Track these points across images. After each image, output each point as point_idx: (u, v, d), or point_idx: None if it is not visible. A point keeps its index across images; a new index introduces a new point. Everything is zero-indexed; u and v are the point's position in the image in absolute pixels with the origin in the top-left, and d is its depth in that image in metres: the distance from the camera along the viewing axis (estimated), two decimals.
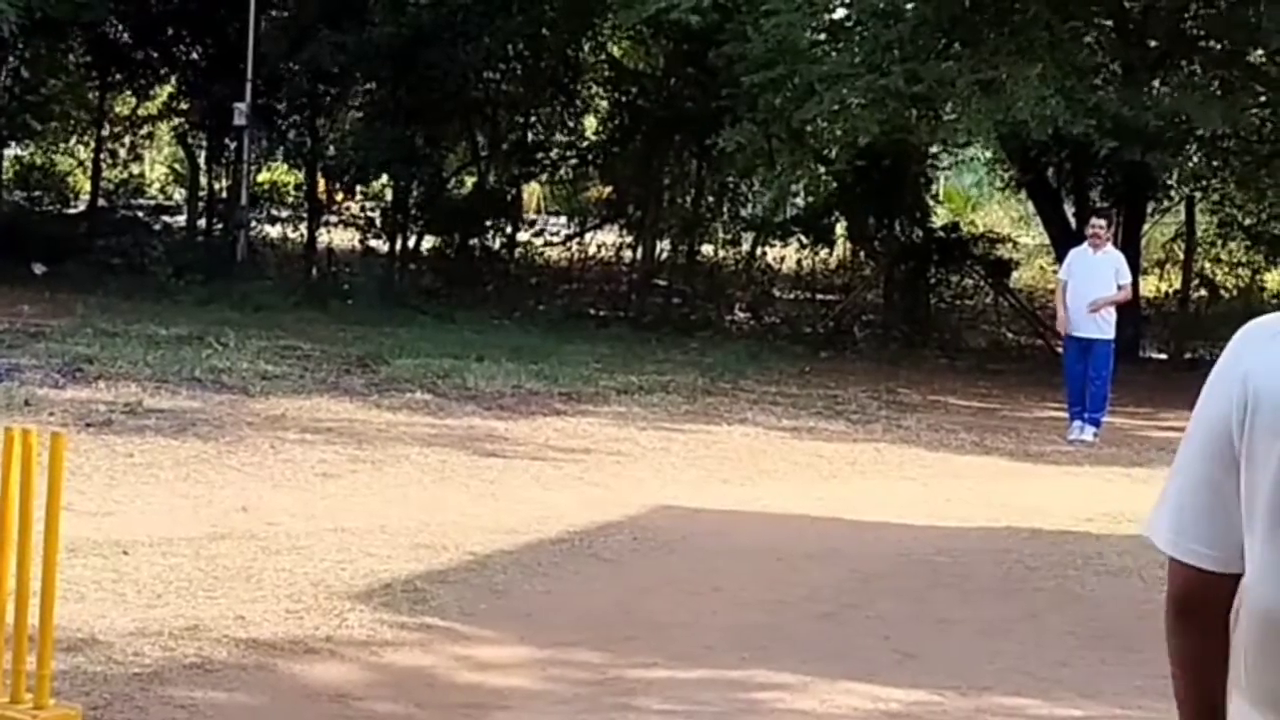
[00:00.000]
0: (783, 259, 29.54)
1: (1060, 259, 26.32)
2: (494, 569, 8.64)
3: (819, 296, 28.69)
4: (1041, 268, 29.83)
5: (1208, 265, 27.86)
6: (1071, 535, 10.56)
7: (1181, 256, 27.62)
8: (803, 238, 28.64)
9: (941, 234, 27.88)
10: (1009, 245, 29.28)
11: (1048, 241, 27.56)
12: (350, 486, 10.85)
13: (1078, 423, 15.33)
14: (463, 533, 9.42)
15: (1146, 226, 27.32)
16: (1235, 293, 27.64)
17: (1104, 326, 15.35)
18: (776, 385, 18.18)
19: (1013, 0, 19.30)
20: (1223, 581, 2.55)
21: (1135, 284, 25.67)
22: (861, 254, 28.85)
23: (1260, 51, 20.93)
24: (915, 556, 9.69)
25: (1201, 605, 2.60)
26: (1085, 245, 15.88)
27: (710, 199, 29.08)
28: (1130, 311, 25.26)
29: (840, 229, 28.93)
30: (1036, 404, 18.36)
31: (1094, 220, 16.46)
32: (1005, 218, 35.79)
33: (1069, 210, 26.37)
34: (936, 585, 8.99)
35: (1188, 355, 24.96)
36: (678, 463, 12.82)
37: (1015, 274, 29.02)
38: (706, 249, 29.00)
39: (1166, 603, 2.65)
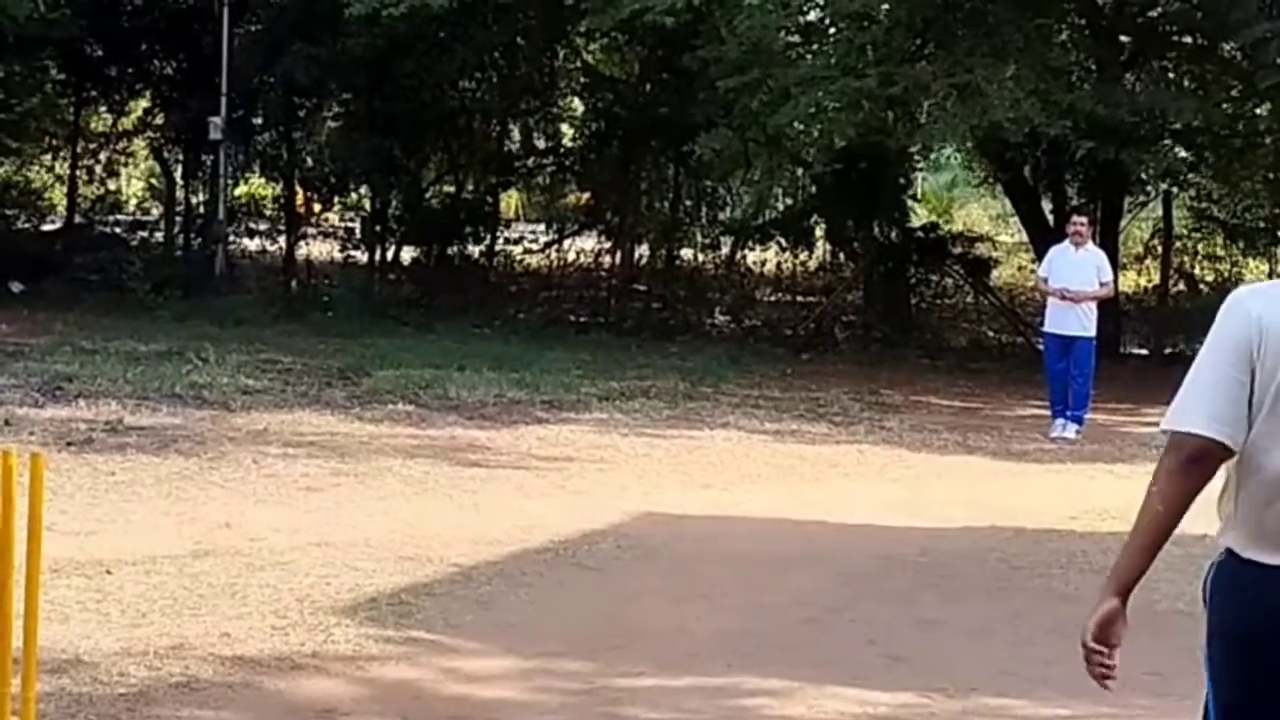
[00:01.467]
0: (763, 262, 29.56)
1: (1040, 257, 26.39)
2: (479, 580, 8.64)
3: (799, 299, 28.70)
4: (1020, 266, 29.86)
5: (1186, 260, 27.91)
6: (1055, 534, 10.58)
7: (1160, 252, 27.67)
8: (782, 240, 28.67)
9: (920, 234, 27.91)
10: (988, 244, 29.33)
11: (1026, 239, 27.61)
12: (333, 500, 10.83)
13: (1060, 420, 15.30)
14: (447, 544, 9.41)
15: (1124, 222, 27.37)
16: (1214, 287, 27.69)
17: (1086, 324, 15.31)
18: (758, 388, 18.20)
19: (985, 1, 19.30)
20: (1226, 451, 3.80)
21: (1115, 280, 25.86)
22: (841, 255, 28.87)
23: (1232, 45, 20.96)
24: (899, 558, 9.69)
25: (1206, 464, 3.85)
26: (1066, 243, 15.91)
27: (688, 203, 29.09)
28: (1110, 307, 25.39)
29: (819, 231, 28.96)
30: (1018, 402, 18.39)
31: (1075, 218, 16.58)
32: (984, 216, 35.85)
33: (1046, 208, 26.42)
34: (921, 587, 9.00)
35: (1168, 350, 25.00)
36: (660, 469, 12.82)
37: (995, 272, 29.05)
38: (686, 253, 29.00)
39: (1176, 460, 3.89)
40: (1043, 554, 9.88)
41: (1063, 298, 15.38)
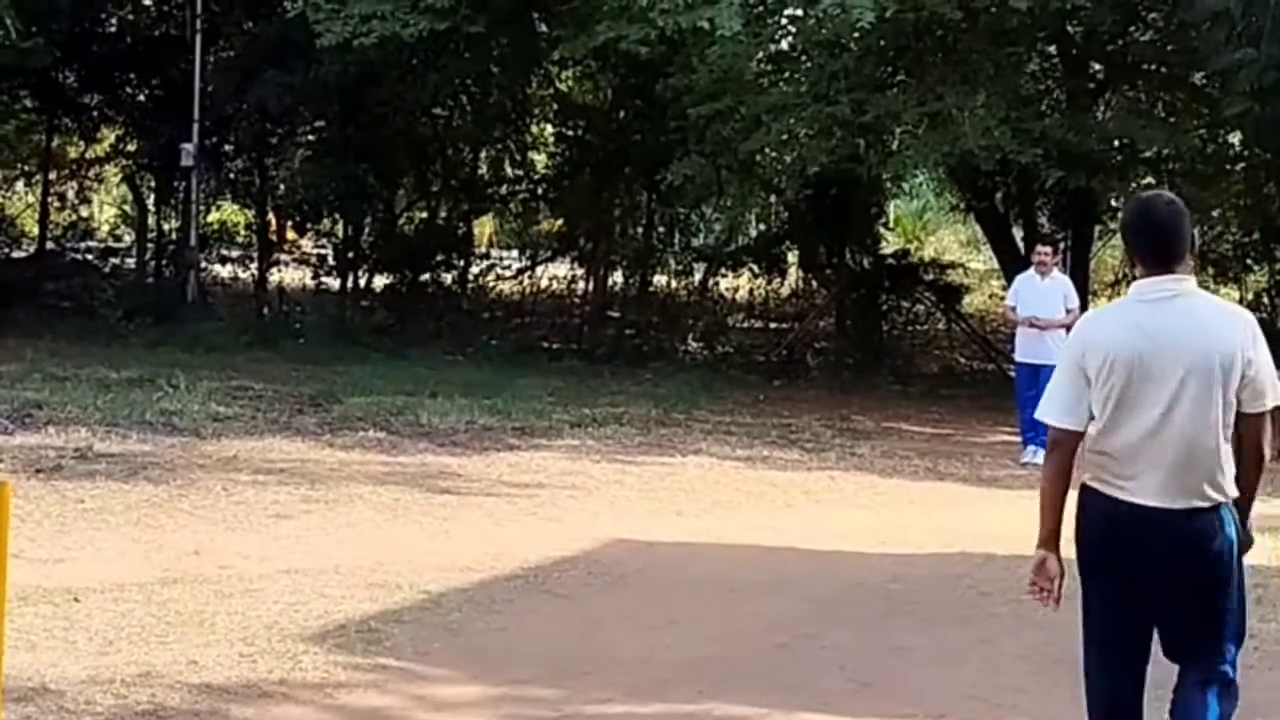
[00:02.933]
0: (735, 289, 29.60)
1: (1011, 283, 26.54)
2: (448, 607, 8.62)
3: (772, 325, 28.75)
4: (991, 294, 29.96)
5: None
6: (1025, 560, 10.44)
7: (1130, 279, 27.77)
8: (754, 267, 28.73)
9: (892, 261, 27.99)
10: (959, 271, 29.41)
11: (997, 266, 27.70)
12: (303, 527, 10.80)
13: (1031, 447, 15.17)
14: (417, 571, 9.39)
15: (1095, 249, 27.48)
16: None
17: (1055, 351, 15.16)
18: (730, 415, 18.21)
19: (956, 29, 19.39)
20: (1079, 436, 5.59)
21: (1085, 307, 25.93)
22: (813, 282, 28.92)
23: (1201, 74, 21.10)
24: (870, 585, 9.70)
25: (1070, 446, 5.62)
26: (1032, 270, 15.88)
27: (661, 230, 29.12)
28: None
29: (792, 257, 29.01)
30: (989, 429, 18.42)
31: (1039, 247, 16.36)
32: (955, 243, 35.96)
33: (1017, 235, 26.51)
34: (891, 613, 9.00)
35: None
36: (632, 495, 12.82)
37: (966, 299, 29.13)
38: (659, 280, 29.03)
39: (1051, 447, 5.73)
40: (1013, 580, 9.85)
41: (1031, 326, 15.41)
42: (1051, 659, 8.07)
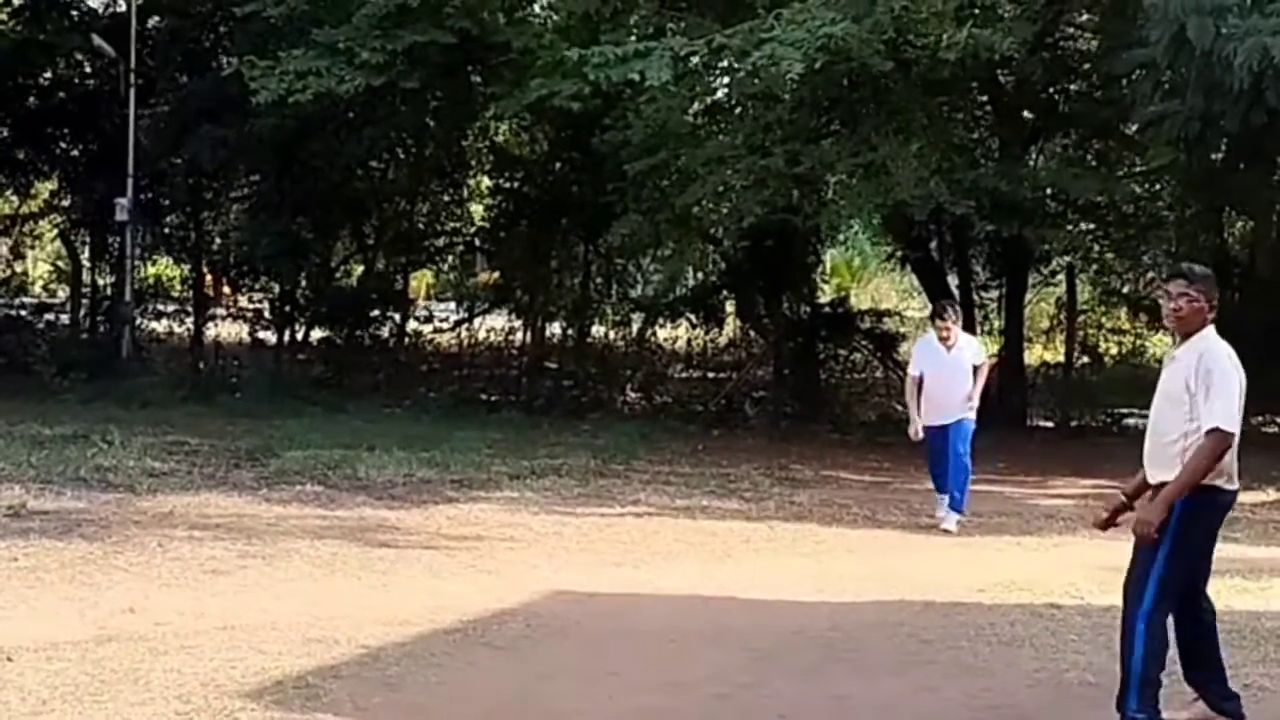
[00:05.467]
0: (673, 339, 29.67)
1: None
2: (387, 661, 8.56)
3: (710, 375, 28.81)
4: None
5: (1090, 333, 28.26)
6: (964, 606, 10.62)
7: (1064, 325, 28.00)
8: (692, 317, 28.82)
9: (829, 309, 28.13)
10: (896, 318, 29.57)
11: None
12: (240, 583, 10.72)
13: (951, 513, 14.33)
14: (355, 625, 9.33)
15: (1029, 297, 27.71)
16: (1118, 360, 28.06)
17: (964, 406, 14.23)
18: (669, 465, 18.22)
19: (888, 80, 19.56)
20: None
21: (1021, 355, 26.10)
22: (751, 331, 29.02)
23: (1132, 124, 21.35)
24: (809, 633, 9.70)
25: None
26: (933, 336, 14.47)
27: (599, 281, 29.19)
28: (1016, 380, 25.65)
29: (729, 307, 29.11)
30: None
31: (938, 321, 14.53)
32: (892, 291, 36.17)
33: (953, 282, 26.70)
34: (831, 661, 9.00)
35: (1074, 422, 25.27)
36: (571, 547, 12.79)
37: (903, 346, 29.26)
38: (596, 331, 29.08)
39: (1221, 446, 7.10)
40: (951, 627, 9.92)
41: (917, 434, 14.44)
42: (991, 704, 8.10)
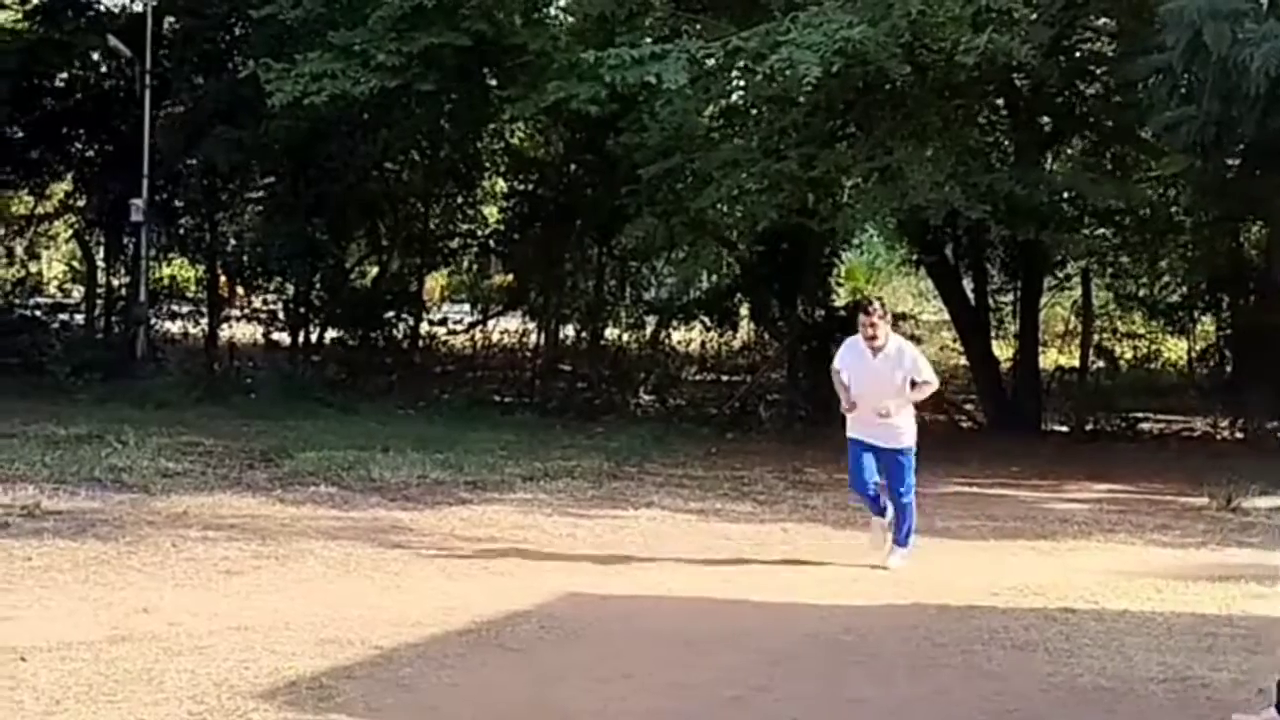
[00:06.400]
0: (687, 341, 29.65)
1: (962, 335, 26.68)
2: (400, 662, 8.56)
3: (724, 378, 28.78)
4: (943, 346, 30.07)
5: (1105, 337, 28.20)
6: (978, 610, 10.59)
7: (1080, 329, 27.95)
8: (706, 320, 28.81)
9: (843, 313, 28.05)
10: (911, 322, 29.51)
11: (949, 317, 27.84)
12: (253, 583, 10.73)
13: (881, 520, 12.42)
14: (368, 626, 9.33)
15: (1044, 300, 27.66)
16: (1133, 364, 28.00)
17: (901, 434, 12.18)
18: (682, 468, 18.20)
19: (904, 84, 19.52)
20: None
21: (1035, 361, 25.99)
22: (765, 334, 28.99)
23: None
24: (823, 636, 9.68)
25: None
26: (859, 338, 12.17)
27: (613, 283, 29.19)
28: (1031, 384, 25.60)
29: (744, 310, 29.08)
30: (941, 480, 18.39)
31: (862, 316, 12.26)
32: (908, 294, 36.12)
33: (968, 286, 26.66)
34: (845, 665, 8.98)
35: (1089, 427, 25.21)
36: (584, 549, 12.78)
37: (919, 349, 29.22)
38: (610, 333, 29.07)
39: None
40: (965, 631, 9.89)
41: (851, 407, 12.16)
42: (1004, 709, 8.08)
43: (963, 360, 27.76)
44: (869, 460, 12.13)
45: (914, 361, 12.09)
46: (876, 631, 9.87)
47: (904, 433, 12.15)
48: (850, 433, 12.21)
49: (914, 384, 12.04)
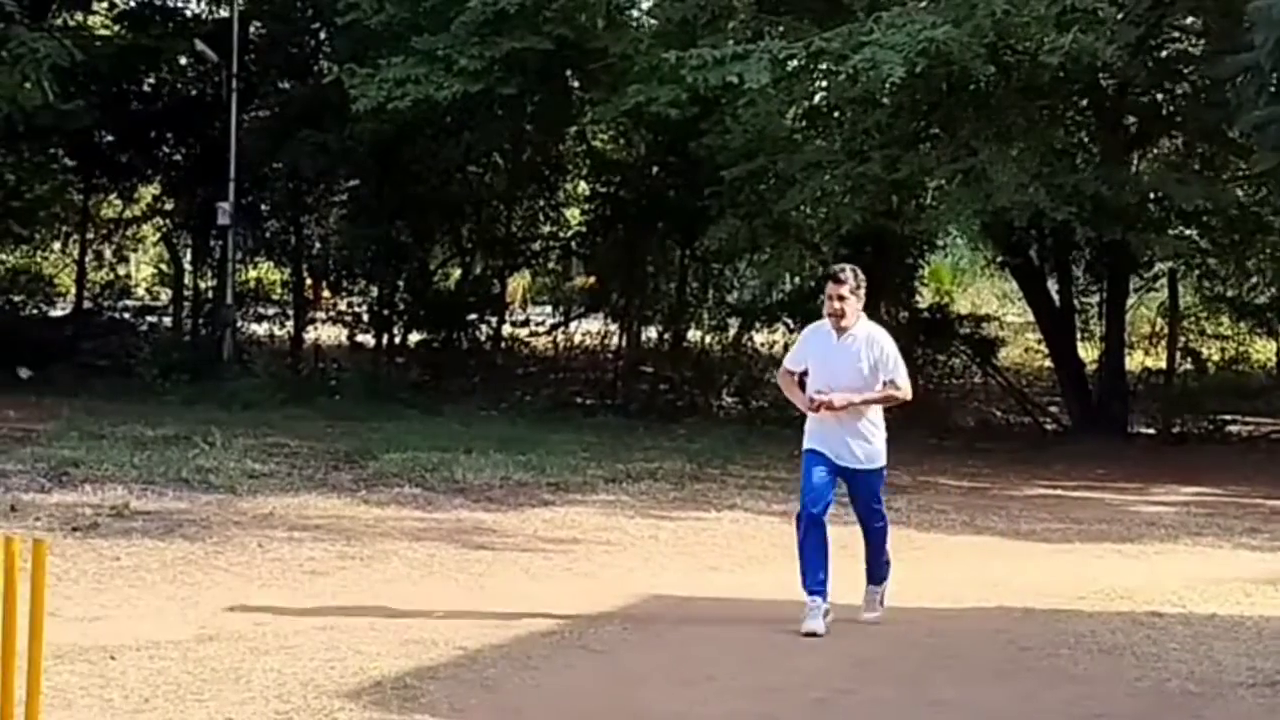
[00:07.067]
0: (770, 343, 29.58)
1: (1047, 337, 26.49)
2: (484, 663, 8.58)
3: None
4: (1028, 348, 29.89)
5: (1193, 339, 27.91)
6: (1064, 614, 10.52)
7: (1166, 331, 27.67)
8: (789, 321, 28.70)
9: (927, 314, 27.96)
10: (995, 324, 29.35)
11: (1033, 319, 27.66)
12: (339, 584, 10.80)
13: (816, 599, 9.70)
14: (452, 627, 9.36)
15: (1131, 302, 27.42)
16: (1221, 365, 27.69)
17: (868, 449, 9.87)
18: (765, 470, 18.16)
19: (988, 85, 19.40)
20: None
21: (1121, 363, 25.73)
22: None
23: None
24: (908, 639, 9.64)
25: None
26: (823, 322, 9.88)
27: (695, 285, 29.17)
28: (1117, 386, 25.37)
29: None
30: (1026, 482, 18.34)
31: (830, 285, 9.84)
32: (991, 295, 35.91)
33: (1053, 288, 26.47)
34: (930, 668, 8.94)
35: (1176, 429, 24.97)
36: (667, 550, 12.78)
37: (1002, 352, 29.05)
38: (692, 335, 29.06)
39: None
40: (1052, 634, 9.82)
41: (818, 409, 9.70)
42: (1091, 713, 8.01)
43: (1047, 362, 27.59)
44: (821, 476, 9.75)
45: (890, 359, 9.73)
46: (961, 634, 9.82)
47: (875, 446, 9.86)
48: (807, 442, 9.85)
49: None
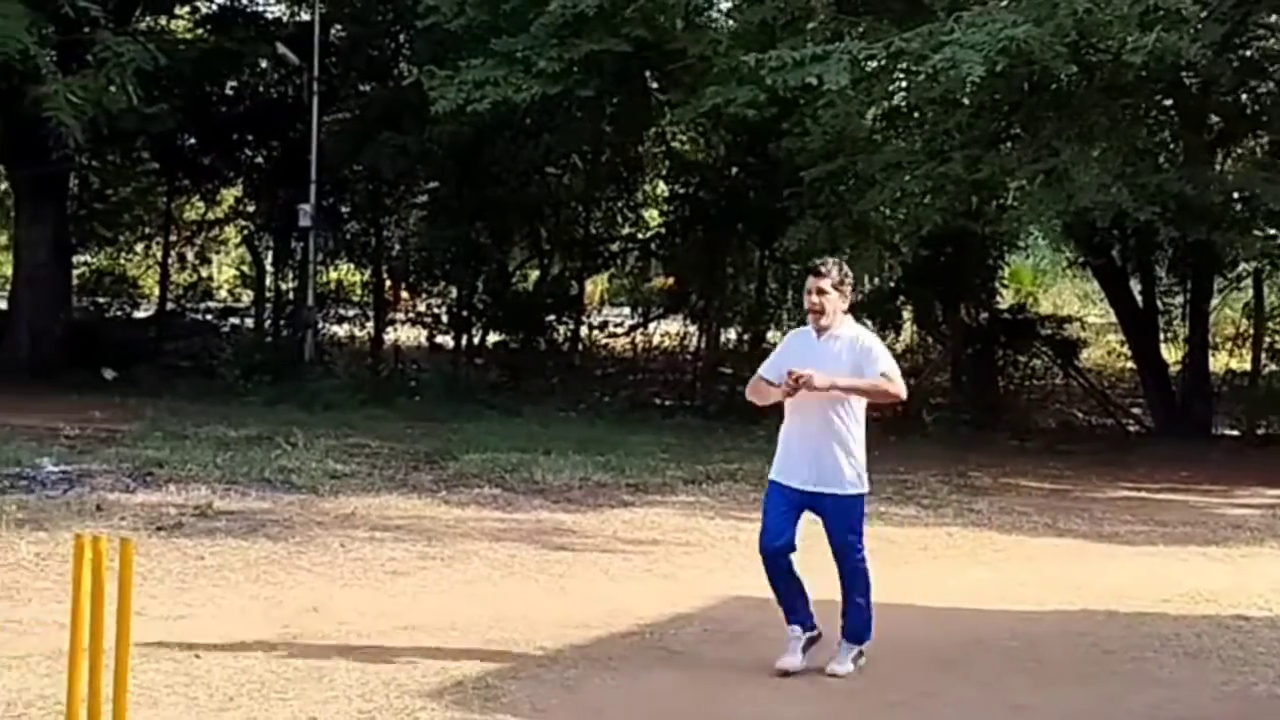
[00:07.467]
0: None
1: (1130, 337, 26.27)
2: (565, 664, 8.60)
3: None
4: (1111, 350, 29.65)
5: (1279, 340, 27.58)
6: (1148, 617, 10.43)
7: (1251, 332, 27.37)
8: (868, 323, 28.57)
9: (1008, 315, 27.79)
10: (1077, 324, 29.14)
11: (1115, 320, 27.44)
12: (420, 584, 10.86)
13: (796, 629, 8.71)
14: (533, 628, 9.39)
15: (1215, 302, 27.15)
16: None
17: (843, 469, 8.58)
18: None
19: (1070, 84, 19.24)
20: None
21: (1205, 365, 25.47)
22: (928, 337, 28.76)
23: None
24: (989, 642, 9.58)
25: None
26: (808, 327, 8.71)
27: (774, 285, 29.11)
28: (1201, 388, 25.12)
29: (906, 313, 28.88)
30: (1109, 484, 18.18)
31: (811, 277, 8.63)
32: (1072, 296, 35.66)
33: (1136, 288, 26.25)
34: (1011, 671, 8.88)
35: (1260, 431, 24.70)
36: (747, 551, 12.68)
37: (1084, 353, 28.84)
38: (772, 335, 28.98)
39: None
40: (1136, 638, 9.74)
41: (795, 387, 8.34)
42: (1176, 717, 7.94)
43: (1130, 364, 27.36)
44: (781, 511, 8.58)
45: (877, 355, 8.52)
46: (1043, 637, 9.76)
47: (851, 467, 8.60)
48: (772, 474, 8.69)
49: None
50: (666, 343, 29.79)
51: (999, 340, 27.08)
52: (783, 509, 8.54)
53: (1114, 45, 18.35)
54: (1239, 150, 24.85)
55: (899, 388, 8.51)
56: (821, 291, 8.45)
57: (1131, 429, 25.52)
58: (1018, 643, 9.60)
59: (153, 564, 10.70)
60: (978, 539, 13.88)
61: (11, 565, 10.76)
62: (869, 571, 8.77)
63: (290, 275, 29.85)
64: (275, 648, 8.66)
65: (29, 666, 7.98)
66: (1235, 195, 21.07)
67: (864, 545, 8.74)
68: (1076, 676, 8.80)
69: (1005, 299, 29.22)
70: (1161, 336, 26.44)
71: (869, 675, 8.63)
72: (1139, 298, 26.15)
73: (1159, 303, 26.83)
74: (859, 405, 8.57)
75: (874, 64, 19.12)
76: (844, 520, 8.60)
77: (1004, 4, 17.92)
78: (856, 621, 8.71)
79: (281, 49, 26.65)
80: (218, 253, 34.12)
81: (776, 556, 8.60)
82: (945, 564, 12.62)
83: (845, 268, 8.70)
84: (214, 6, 29.44)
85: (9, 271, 30.27)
